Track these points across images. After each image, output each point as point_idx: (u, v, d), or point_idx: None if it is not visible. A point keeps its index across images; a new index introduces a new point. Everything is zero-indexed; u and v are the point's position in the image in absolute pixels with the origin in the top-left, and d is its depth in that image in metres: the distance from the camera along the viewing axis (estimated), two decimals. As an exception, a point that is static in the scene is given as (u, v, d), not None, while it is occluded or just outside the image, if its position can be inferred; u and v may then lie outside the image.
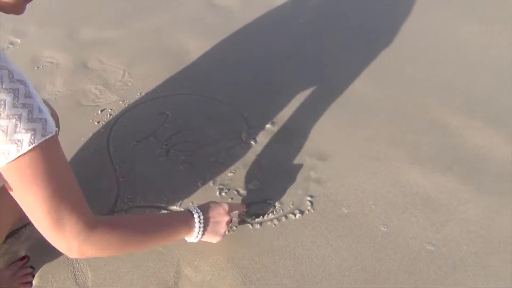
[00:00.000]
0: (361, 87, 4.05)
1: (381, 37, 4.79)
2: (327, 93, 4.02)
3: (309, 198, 3.09)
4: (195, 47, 4.75)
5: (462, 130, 3.59)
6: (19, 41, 5.07)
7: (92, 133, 3.68)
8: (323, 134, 3.59)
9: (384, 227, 2.89)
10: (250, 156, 3.43)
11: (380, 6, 5.42)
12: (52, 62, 4.62)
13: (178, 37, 4.93)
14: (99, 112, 3.90)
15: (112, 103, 4.00)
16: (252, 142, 3.54)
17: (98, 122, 3.79)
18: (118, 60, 4.57)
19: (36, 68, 4.55)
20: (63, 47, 4.84)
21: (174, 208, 3.09)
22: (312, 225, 2.92)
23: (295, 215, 2.98)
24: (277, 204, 3.06)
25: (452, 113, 3.72)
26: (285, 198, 3.10)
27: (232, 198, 3.11)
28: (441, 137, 3.54)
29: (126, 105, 3.97)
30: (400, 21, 5.05)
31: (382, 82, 4.10)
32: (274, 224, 2.94)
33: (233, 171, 3.31)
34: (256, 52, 4.64)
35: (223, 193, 3.16)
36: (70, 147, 3.55)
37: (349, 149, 3.45)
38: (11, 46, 5.00)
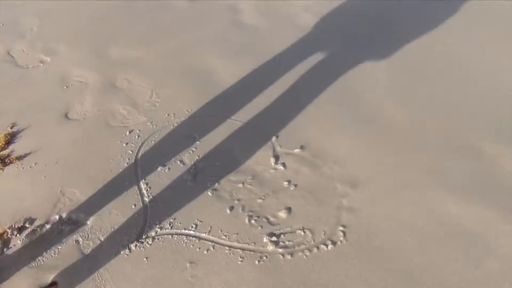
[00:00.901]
0: (390, 111, 3.95)
1: (408, 58, 4.68)
2: (356, 115, 3.94)
3: (341, 228, 2.99)
4: (221, 67, 4.72)
5: (497, 157, 3.46)
6: (48, 59, 5.13)
7: (120, 155, 3.66)
8: (354, 159, 3.50)
9: (420, 262, 2.77)
10: (279, 182, 3.36)
11: (408, 25, 5.32)
12: (81, 81, 4.64)
13: (204, 56, 4.92)
14: (128, 133, 3.88)
15: (140, 124, 3.99)
16: (281, 167, 3.47)
17: (127, 143, 3.78)
18: (145, 80, 4.58)
19: (65, 87, 4.59)
20: (92, 66, 4.88)
21: (203, 235, 3.02)
22: (345, 257, 2.82)
23: (327, 246, 2.89)
24: (308, 233, 2.97)
25: (485, 139, 3.60)
26: (316, 227, 3.01)
27: (262, 226, 3.04)
28: (475, 164, 3.42)
29: (154, 126, 3.95)
30: (428, 41, 4.94)
31: (411, 105, 4.00)
32: (306, 255, 2.85)
33: (262, 197, 3.24)
34: (283, 72, 4.59)
35: (253, 221, 3.09)
36: (98, 168, 3.55)
37: (381, 176, 3.34)
38: (41, 64, 5.06)
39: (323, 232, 2.98)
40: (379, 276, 2.70)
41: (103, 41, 5.34)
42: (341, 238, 2.94)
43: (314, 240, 2.94)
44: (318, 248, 2.89)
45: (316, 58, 4.81)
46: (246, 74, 4.60)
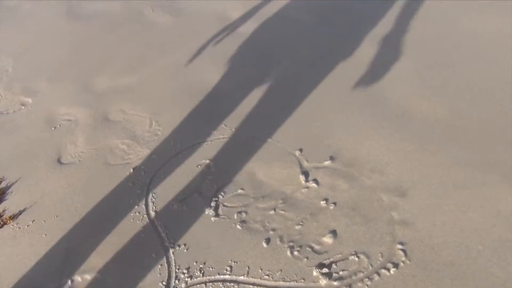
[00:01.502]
0: (423, 105, 3.59)
1: (427, 47, 4.34)
2: (385, 115, 3.56)
3: (400, 246, 2.60)
4: (223, 81, 4.35)
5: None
6: (30, 100, 4.71)
7: (128, 197, 3.24)
8: (393, 164, 3.12)
9: (502, 272, 2.37)
10: (315, 202, 2.96)
11: (430, 18, 5.01)
12: (69, 120, 4.22)
13: (202, 73, 4.55)
14: (131, 170, 3.47)
15: (143, 158, 3.57)
16: (313, 184, 3.08)
17: (133, 183, 3.36)
18: (142, 108, 4.17)
19: (53, 128, 4.16)
20: (79, 101, 4.47)
21: (242, 278, 2.60)
22: (413, 280, 2.42)
23: (388, 270, 2.49)
24: (363, 257, 2.57)
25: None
26: (371, 249, 2.61)
27: (307, 257, 2.63)
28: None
29: (160, 159, 3.53)
30: (443, 25, 4.62)
31: (444, 97, 3.64)
32: (367, 285, 2.45)
33: (301, 223, 2.84)
34: (290, 80, 4.23)
35: (295, 252, 2.68)
36: (105, 216, 3.13)
37: (429, 180, 2.97)
38: (23, 107, 4.63)
39: (380, 254, 2.57)
40: (460, 299, 2.30)
41: (87, 73, 4.94)
42: (403, 258, 2.53)
43: (372, 265, 2.53)
44: (378, 274, 2.48)
45: (324, 60, 4.46)
46: (252, 87, 4.22)
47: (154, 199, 3.20)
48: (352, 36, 4.73)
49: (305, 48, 4.69)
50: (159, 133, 3.84)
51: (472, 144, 3.17)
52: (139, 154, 3.65)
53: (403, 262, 2.52)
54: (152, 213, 3.10)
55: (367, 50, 4.43)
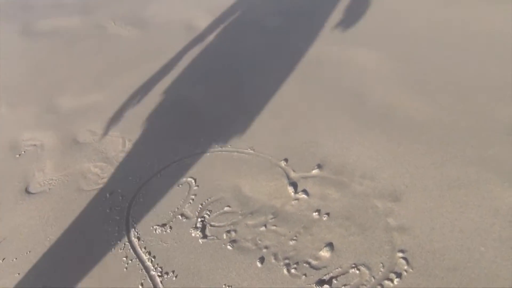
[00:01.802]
0: (405, 103, 3.54)
1: (400, 42, 4.32)
2: (368, 117, 3.49)
3: (400, 254, 2.50)
4: (194, 95, 4.20)
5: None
6: (-11, 127, 4.39)
7: (105, 225, 3.02)
8: (383, 168, 3.03)
9: (508, 273, 2.32)
10: (307, 214, 2.84)
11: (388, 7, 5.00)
12: (35, 145, 3.96)
13: (173, 86, 4.38)
14: (108, 195, 3.26)
15: (120, 181, 3.37)
16: (303, 195, 2.96)
17: (110, 209, 3.15)
18: (112, 127, 3.96)
19: (17, 155, 3.88)
20: (44, 124, 4.20)
21: (238, 304, 2.45)
22: (419, 290, 2.32)
23: (392, 280, 2.39)
24: (364, 270, 2.46)
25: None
26: (371, 260, 2.51)
27: (305, 274, 2.50)
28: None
29: (138, 180, 3.33)
30: (418, 20, 4.62)
31: (428, 93, 3.61)
32: (371, 299, 2.32)
33: (294, 238, 2.71)
34: (268, 88, 4.10)
35: (292, 270, 2.55)
36: (83, 247, 2.91)
37: (422, 181, 2.90)
38: (-19, 135, 4.32)
39: (381, 265, 2.47)
40: (469, 305, 2.22)
41: (50, 93, 4.67)
42: (405, 267, 2.44)
43: (374, 277, 2.42)
44: (382, 286, 2.38)
45: (297, 67, 4.37)
46: (226, 98, 4.08)
47: (135, 225, 3.01)
48: (323, 40, 4.67)
49: (277, 55, 4.60)
50: (134, 152, 3.63)
51: (461, 141, 3.13)
52: (114, 177, 3.43)
53: (405, 271, 2.43)
54: (135, 240, 2.90)
55: (340, 53, 4.37)
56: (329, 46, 4.54)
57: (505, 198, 2.69)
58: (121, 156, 3.62)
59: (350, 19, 4.93)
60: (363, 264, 2.50)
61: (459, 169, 2.93)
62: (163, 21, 5.87)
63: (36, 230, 3.11)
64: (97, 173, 3.50)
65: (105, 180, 3.42)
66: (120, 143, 3.76)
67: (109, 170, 3.51)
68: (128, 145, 3.72)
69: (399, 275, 2.41)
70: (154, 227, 2.96)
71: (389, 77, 3.89)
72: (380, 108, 3.56)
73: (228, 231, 2.84)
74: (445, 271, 2.38)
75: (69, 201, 3.30)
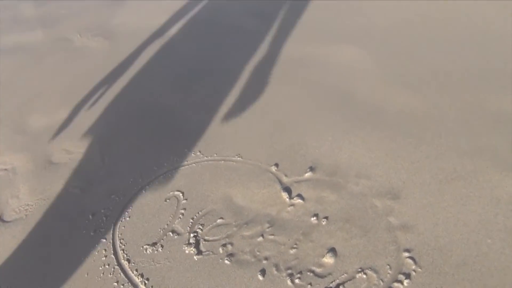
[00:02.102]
0: (392, 97, 3.50)
1: (383, 39, 4.29)
2: (358, 114, 3.43)
3: (406, 254, 2.43)
4: (172, 103, 4.07)
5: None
6: (-46, 154, 4.12)
7: (91, 249, 2.83)
8: (378, 165, 2.97)
9: (518, 264, 2.26)
10: (305, 220, 2.74)
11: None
12: (6, 169, 3.72)
13: (149, 96, 4.22)
14: (90, 217, 3.07)
15: (102, 201, 3.19)
16: (298, 200, 2.86)
17: (95, 231, 2.96)
18: (88, 144, 3.76)
19: (-13, 182, 3.63)
20: (14, 146, 3.96)
21: (243, 322, 2.32)
22: (430, 290, 2.24)
23: (401, 282, 2.31)
24: (371, 273, 2.37)
25: None
26: (376, 262, 2.42)
27: (311, 284, 2.39)
28: (513, 130, 3.03)
29: (122, 198, 3.16)
30: (393, 14, 4.60)
31: (413, 87, 3.58)
32: (382, 304, 2.23)
33: (295, 246, 2.60)
34: (245, 92, 3.99)
35: (296, 280, 2.44)
36: (69, 275, 2.72)
37: (419, 176, 2.84)
38: None
39: (388, 266, 2.39)
40: (484, 301, 2.16)
41: (18, 112, 4.43)
42: (413, 267, 2.37)
43: (382, 281, 2.34)
44: (392, 289, 2.29)
45: (279, 68, 4.28)
46: (207, 105, 3.95)
47: (123, 246, 2.84)
48: (302, 40, 4.61)
49: (256, 58, 4.50)
50: (114, 169, 3.46)
51: (453, 132, 3.10)
52: (96, 196, 3.25)
53: (414, 271, 2.35)
54: (125, 263, 2.73)
55: (321, 51, 4.32)
56: (309, 46, 4.48)
57: (505, 187, 2.65)
58: (101, 174, 3.44)
59: (327, 17, 4.88)
60: (370, 268, 2.41)
61: (454, 160, 2.89)
62: (131, 29, 5.69)
63: (16, 262, 2.90)
64: (77, 194, 3.31)
65: (86, 201, 3.23)
66: (98, 160, 3.57)
67: (89, 189, 3.32)
68: (107, 162, 3.54)
69: (408, 276, 2.33)
70: (144, 246, 2.80)
71: (373, 73, 3.84)
72: (368, 105, 3.50)
73: (224, 245, 2.71)
74: (455, 267, 2.32)
75: (49, 226, 3.10)
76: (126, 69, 4.73)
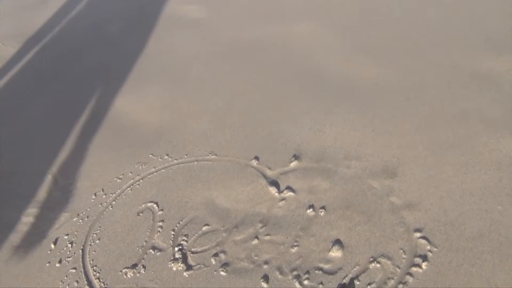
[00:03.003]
0: (364, 71, 3.38)
1: (338, 9, 4.15)
2: (331, 92, 3.28)
3: (418, 234, 2.28)
4: (126, 103, 3.69)
5: (510, 71, 3.05)
6: None
7: (61, 283, 2.47)
8: (367, 144, 2.81)
9: (535, 227, 2.18)
10: (300, 213, 2.53)
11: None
12: None
13: (96, 99, 3.81)
14: (52, 246, 2.69)
15: (63, 226, 2.81)
16: (289, 193, 2.65)
17: (60, 261, 2.60)
18: (35, 163, 3.33)
19: None
20: None
21: (255, 339, 2.07)
22: (451, 268, 2.12)
23: (420, 266, 2.16)
24: (385, 261, 2.20)
25: (487, 58, 3.17)
26: (388, 248, 2.26)
27: (322, 283, 2.18)
28: (497, 88, 2.97)
29: (85, 219, 2.80)
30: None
31: (383, 57, 3.48)
32: (404, 292, 2.07)
33: (295, 244, 2.39)
34: (208, 82, 3.72)
35: (305, 282, 2.22)
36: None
37: (412, 149, 2.72)
38: None
39: (402, 251, 2.23)
40: (509, 269, 2.04)
41: None
42: (428, 247, 2.23)
43: (399, 267, 2.17)
44: (411, 274, 2.14)
45: (236, 53, 4.03)
46: (168, 102, 3.63)
47: (98, 274, 2.49)
48: (257, 22, 4.38)
49: (210, 46, 4.22)
50: (71, 188, 3.07)
51: (435, 98, 3.01)
52: (55, 222, 2.87)
53: (430, 251, 2.21)
54: (103, 293, 2.39)
55: (279, 32, 4.11)
56: (265, 27, 4.26)
57: (503, 149, 2.58)
58: (56, 196, 3.05)
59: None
60: (382, 255, 2.24)
61: (445, 128, 2.79)
62: (62, 31, 5.21)
63: (-32, 313, 2.48)
64: (31, 223, 2.90)
65: (44, 229, 2.84)
66: (50, 181, 3.17)
67: (46, 215, 2.92)
68: (62, 181, 3.14)
69: (424, 258, 2.18)
70: (123, 270, 2.47)
71: (338, 49, 3.69)
72: (340, 81, 3.34)
73: (216, 254, 2.44)
74: (471, 241, 2.20)
75: (5, 264, 2.68)
76: (63, 74, 4.30)
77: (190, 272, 2.39)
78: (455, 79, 3.09)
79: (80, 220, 2.82)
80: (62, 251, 2.66)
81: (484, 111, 2.82)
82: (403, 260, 2.20)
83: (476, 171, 2.50)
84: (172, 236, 2.59)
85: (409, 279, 2.12)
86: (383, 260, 2.22)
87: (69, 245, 2.69)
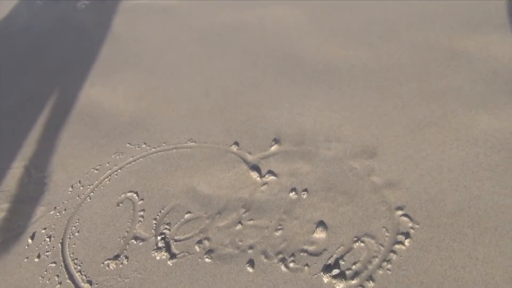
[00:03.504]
0: (341, 53, 3.39)
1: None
2: (308, 75, 3.28)
3: (400, 212, 2.32)
4: (97, 93, 3.61)
5: (486, 49, 3.10)
6: None
7: (41, 278, 2.42)
8: (346, 125, 2.83)
9: None
10: (283, 196, 2.53)
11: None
12: None
13: (65, 89, 3.71)
14: (29, 241, 2.63)
15: (40, 220, 2.74)
16: (271, 177, 2.65)
17: (39, 256, 2.54)
18: (7, 156, 3.23)
19: None
20: None
21: (243, 323, 2.08)
22: (433, 244, 2.17)
23: (402, 243, 2.19)
24: (368, 240, 2.24)
25: (461, 37, 3.23)
26: (371, 227, 2.29)
27: (307, 265, 2.20)
28: (471, 66, 3.02)
29: (63, 212, 2.74)
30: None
31: (359, 39, 3.48)
32: (388, 270, 2.11)
33: (279, 227, 2.39)
34: (181, 67, 3.67)
35: (291, 264, 2.24)
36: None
37: (391, 129, 2.75)
38: None
39: (385, 229, 2.27)
40: (485, 242, 2.10)
41: None
42: (410, 224, 2.27)
43: (382, 245, 2.21)
44: (394, 252, 2.17)
45: (211, 38, 3.98)
46: (141, 90, 3.57)
47: (79, 267, 2.45)
48: (228, 6, 4.33)
49: (183, 31, 4.16)
50: (46, 181, 3.00)
51: (412, 77, 3.04)
52: (31, 216, 2.79)
53: (412, 228, 2.25)
54: (86, 286, 2.35)
55: (254, 15, 4.07)
56: (239, 12, 4.21)
57: (478, 125, 2.63)
58: (31, 189, 2.97)
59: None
60: (366, 234, 2.27)
61: (422, 107, 2.82)
62: (27, 23, 5.04)
63: None
64: (6, 218, 2.82)
65: (19, 223, 2.77)
66: (24, 174, 3.08)
67: (21, 210, 2.85)
68: (36, 174, 3.06)
69: (407, 235, 2.22)
70: (106, 262, 2.44)
71: (314, 31, 3.69)
72: (317, 64, 3.34)
73: (200, 241, 2.43)
74: (451, 216, 2.25)
75: (-22, 262, 2.60)
76: (32, 65, 4.17)
77: (174, 260, 2.37)
78: (430, 59, 3.13)
79: (58, 213, 2.76)
80: (40, 245, 2.60)
81: (459, 89, 2.87)
82: (386, 238, 2.23)
83: (453, 148, 2.55)
84: (154, 225, 2.56)
85: (393, 256, 2.15)
86: (366, 239, 2.25)
87: (47, 239, 2.63)
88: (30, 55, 4.37)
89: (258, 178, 2.66)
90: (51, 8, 5.19)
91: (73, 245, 2.56)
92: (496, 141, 2.51)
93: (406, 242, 2.19)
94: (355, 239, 2.26)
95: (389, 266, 2.13)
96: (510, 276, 1.96)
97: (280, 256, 2.28)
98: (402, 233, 2.23)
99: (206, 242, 2.42)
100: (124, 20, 4.65)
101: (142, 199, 2.71)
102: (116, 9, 4.88)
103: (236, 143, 2.90)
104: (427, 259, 2.10)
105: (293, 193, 2.54)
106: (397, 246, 2.19)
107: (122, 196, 2.77)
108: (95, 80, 3.81)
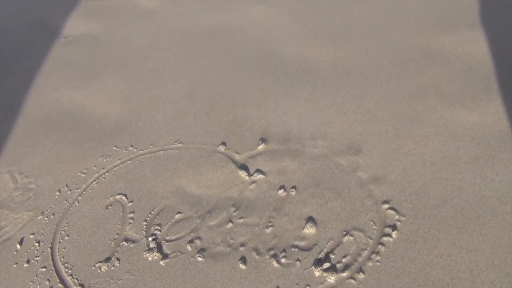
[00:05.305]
0: (322, 52, 3.45)
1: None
2: (291, 75, 3.33)
3: (386, 206, 2.38)
4: (81, 97, 3.58)
5: (462, 47, 3.20)
6: None
7: (31, 284, 2.39)
8: (330, 123, 2.89)
9: (492, 191, 2.35)
10: (272, 194, 2.57)
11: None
12: None
13: (49, 95, 3.67)
14: (17, 247, 2.59)
15: (28, 225, 2.71)
16: (259, 175, 2.68)
17: (28, 261, 2.50)
18: (-10, 164, 3.18)
19: None
20: None
21: (238, 319, 2.10)
22: (419, 235, 2.24)
23: (390, 235, 2.25)
24: (357, 233, 2.29)
25: (438, 36, 3.32)
26: (359, 221, 2.35)
27: (299, 260, 2.24)
28: (447, 63, 3.11)
29: (51, 216, 2.71)
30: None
31: (340, 40, 3.56)
32: (378, 262, 2.16)
33: (269, 224, 2.43)
34: (164, 70, 3.67)
35: (282, 260, 2.27)
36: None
37: (373, 126, 2.82)
38: None
39: (372, 222, 2.33)
40: (468, 236, 2.18)
41: None
42: (397, 217, 2.33)
43: (370, 238, 2.27)
44: (383, 244, 2.23)
45: (192, 40, 3.99)
46: (125, 93, 3.55)
47: (70, 271, 2.43)
48: (206, 8, 4.34)
49: (164, 35, 4.15)
50: (32, 186, 2.96)
51: (392, 75, 3.12)
52: (18, 222, 2.75)
53: (398, 221, 2.31)
54: (77, 290, 2.34)
55: (230, 17, 4.10)
56: (221, 15, 4.24)
57: (457, 120, 2.72)
58: (17, 194, 2.92)
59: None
60: (354, 228, 2.32)
61: (403, 104, 2.90)
62: (2, 28, 4.96)
63: None
64: (-8, 224, 2.77)
65: (6, 229, 2.72)
66: (9, 179, 3.03)
67: (6, 216, 2.80)
68: (22, 179, 3.01)
69: (394, 227, 2.28)
70: (97, 265, 2.42)
71: (294, 32, 3.74)
72: (300, 64, 3.39)
73: (191, 241, 2.44)
74: (435, 208, 2.32)
75: (-35, 270, 2.55)
76: (8, 70, 4.10)
77: (167, 260, 2.38)
78: (408, 57, 3.21)
79: (46, 218, 2.72)
80: (29, 250, 2.57)
81: (438, 86, 2.96)
82: (374, 231, 2.29)
83: (434, 143, 2.62)
84: (144, 226, 2.56)
85: (381, 248, 2.21)
86: (355, 232, 2.30)
87: (36, 244, 2.60)
88: (9, 60, 4.30)
89: (247, 177, 2.69)
90: (28, 11, 5.11)
91: (63, 249, 2.53)
92: (475, 134, 2.60)
93: (394, 234, 2.25)
94: (344, 233, 2.31)
95: (378, 258, 2.18)
96: (493, 263, 2.03)
97: (272, 252, 2.31)
98: (389, 226, 2.29)
99: (197, 242, 2.43)
100: (105, 24, 4.62)
101: (132, 201, 2.70)
102: (98, 14, 4.84)
103: (224, 143, 2.92)
104: (414, 250, 2.16)
105: (282, 190, 2.57)
106: (385, 238, 2.24)
107: (111, 198, 2.75)
108: (78, 84, 3.77)
